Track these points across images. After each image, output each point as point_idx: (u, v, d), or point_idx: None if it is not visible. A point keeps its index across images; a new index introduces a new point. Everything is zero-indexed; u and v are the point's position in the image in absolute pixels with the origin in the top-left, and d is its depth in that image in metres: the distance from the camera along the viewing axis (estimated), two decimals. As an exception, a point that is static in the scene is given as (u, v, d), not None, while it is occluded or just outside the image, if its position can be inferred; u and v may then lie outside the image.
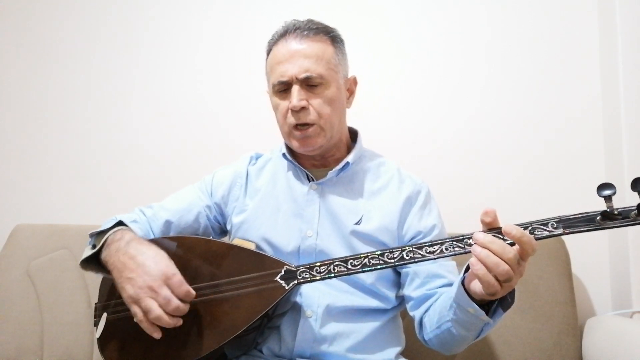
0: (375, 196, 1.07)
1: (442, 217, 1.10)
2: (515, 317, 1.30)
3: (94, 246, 1.00)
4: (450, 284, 0.98)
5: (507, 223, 0.74)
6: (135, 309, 0.85)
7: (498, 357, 1.28)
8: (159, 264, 0.87)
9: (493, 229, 0.75)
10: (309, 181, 1.07)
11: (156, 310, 0.82)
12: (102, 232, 1.01)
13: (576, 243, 1.41)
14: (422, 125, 1.62)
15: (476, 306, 0.80)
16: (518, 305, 1.31)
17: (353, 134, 1.15)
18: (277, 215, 1.05)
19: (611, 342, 1.19)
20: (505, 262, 0.71)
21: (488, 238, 0.73)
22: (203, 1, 1.79)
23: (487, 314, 0.81)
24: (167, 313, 0.83)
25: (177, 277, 0.86)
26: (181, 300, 0.84)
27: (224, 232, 1.17)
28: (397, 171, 1.12)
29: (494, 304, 0.81)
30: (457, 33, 1.64)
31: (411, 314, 1.02)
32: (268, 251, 1.03)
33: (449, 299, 0.88)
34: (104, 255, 0.96)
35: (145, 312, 0.84)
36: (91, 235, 1.04)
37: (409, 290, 1.02)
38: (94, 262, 1.00)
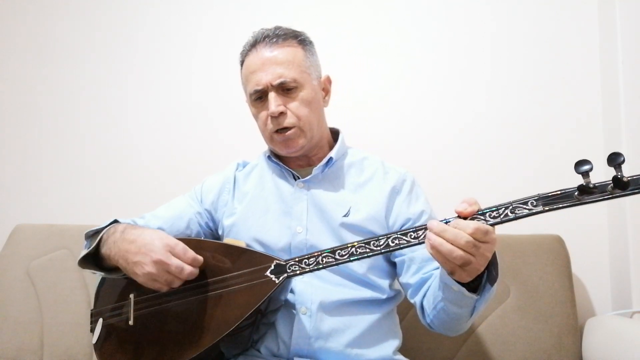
0: (362, 188, 1.09)
1: (430, 204, 1.11)
2: (515, 317, 1.30)
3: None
4: None
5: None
6: (156, 286, 0.90)
7: (498, 357, 1.28)
8: (159, 239, 0.91)
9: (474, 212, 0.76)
10: (295, 180, 1.10)
11: (176, 282, 0.90)
12: (97, 232, 1.04)
13: (576, 243, 1.41)
14: (423, 127, 1.62)
15: (456, 283, 0.81)
16: (518, 305, 1.31)
17: (335, 134, 1.17)
18: (266, 216, 1.07)
19: (611, 342, 1.19)
20: (459, 248, 0.73)
21: (441, 227, 0.75)
22: (198, 4, 1.79)
23: (477, 289, 0.83)
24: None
25: (180, 245, 0.90)
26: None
27: (216, 238, 1.18)
28: (381, 164, 1.14)
29: (482, 279, 0.82)
30: (461, 33, 1.64)
31: (412, 301, 1.03)
32: (259, 250, 1.03)
33: (438, 279, 0.89)
34: (104, 251, 0.99)
35: (169, 284, 0.90)
36: (87, 237, 1.07)
37: (406, 278, 1.03)
38: (91, 261, 1.03)
